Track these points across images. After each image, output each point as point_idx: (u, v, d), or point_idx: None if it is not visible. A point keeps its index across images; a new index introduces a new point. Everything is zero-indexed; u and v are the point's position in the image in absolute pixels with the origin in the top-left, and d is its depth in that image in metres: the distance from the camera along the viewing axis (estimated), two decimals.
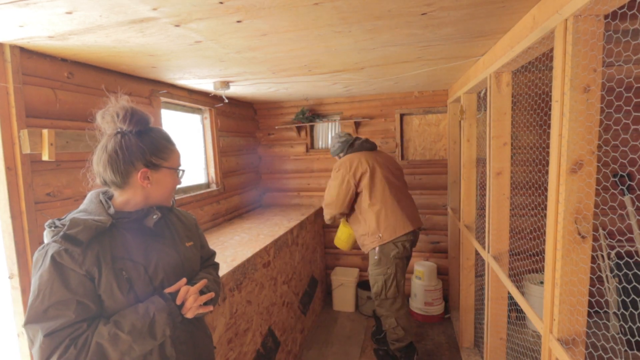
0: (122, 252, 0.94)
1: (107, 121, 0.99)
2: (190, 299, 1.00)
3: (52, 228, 0.90)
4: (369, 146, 2.67)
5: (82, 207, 0.98)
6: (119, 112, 0.98)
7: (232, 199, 3.24)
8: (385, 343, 2.72)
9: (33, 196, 1.47)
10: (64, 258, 0.86)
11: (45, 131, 1.45)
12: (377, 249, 2.47)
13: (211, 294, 1.06)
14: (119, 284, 0.91)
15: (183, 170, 1.09)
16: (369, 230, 2.48)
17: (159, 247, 1.03)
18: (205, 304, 1.06)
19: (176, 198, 2.47)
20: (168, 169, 1.03)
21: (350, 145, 2.67)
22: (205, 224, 2.79)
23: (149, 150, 0.99)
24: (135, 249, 0.97)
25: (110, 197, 1.01)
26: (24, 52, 1.47)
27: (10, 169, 1.40)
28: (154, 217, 1.02)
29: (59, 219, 0.93)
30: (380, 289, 2.49)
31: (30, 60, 1.50)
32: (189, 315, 1.00)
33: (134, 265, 0.95)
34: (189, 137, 2.88)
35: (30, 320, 0.84)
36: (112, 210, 0.95)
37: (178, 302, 0.98)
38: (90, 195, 1.01)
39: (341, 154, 2.71)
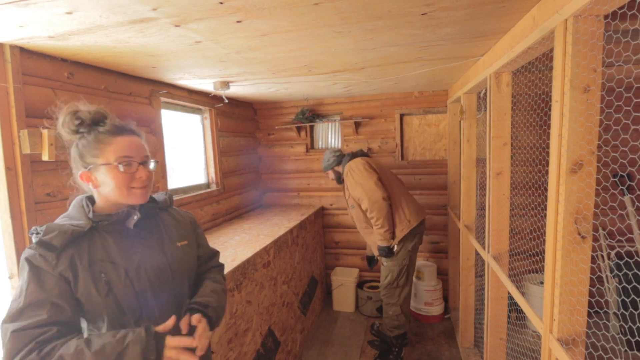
0: (102, 255, 0.93)
1: (64, 132, 0.98)
2: (173, 353, 0.88)
3: (34, 235, 0.91)
4: (362, 153, 2.79)
5: (67, 212, 1.00)
6: (62, 119, 0.97)
7: (232, 199, 3.24)
8: (379, 334, 2.84)
9: (33, 196, 1.47)
10: (38, 261, 0.88)
11: (45, 131, 1.45)
12: (396, 245, 2.60)
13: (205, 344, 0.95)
14: (97, 287, 0.90)
15: (126, 161, 0.95)
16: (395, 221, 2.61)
17: (142, 249, 1.00)
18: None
19: (176, 198, 2.47)
20: (104, 165, 0.94)
21: (348, 154, 2.77)
22: (205, 224, 2.79)
23: (82, 152, 0.96)
24: (116, 251, 0.95)
25: (94, 202, 1.01)
26: (24, 52, 1.47)
27: (10, 169, 1.40)
28: (135, 217, 0.99)
29: (41, 226, 0.94)
30: (393, 279, 2.60)
31: (30, 60, 1.50)
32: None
33: (114, 268, 0.93)
34: (189, 137, 2.88)
35: (5, 320, 0.85)
36: (91, 214, 0.96)
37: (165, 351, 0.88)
38: (74, 200, 1.02)
39: (337, 167, 2.81)
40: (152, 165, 1.03)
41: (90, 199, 1.01)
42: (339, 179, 2.81)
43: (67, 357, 0.81)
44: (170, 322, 0.93)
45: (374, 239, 2.64)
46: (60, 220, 0.97)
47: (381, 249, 2.60)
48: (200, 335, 0.95)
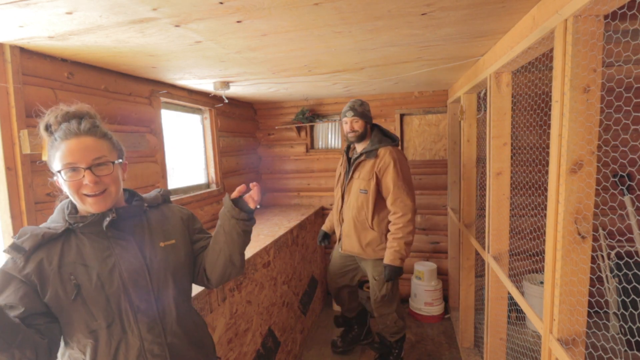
0: (75, 257, 0.93)
1: (44, 135, 0.98)
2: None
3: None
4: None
5: (52, 215, 1.00)
6: (41, 122, 0.97)
7: None
8: (352, 341, 2.80)
9: (33, 196, 1.47)
10: (8, 267, 0.89)
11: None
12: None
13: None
14: (65, 289, 0.90)
15: (69, 167, 0.90)
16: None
17: (119, 251, 0.96)
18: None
19: (176, 198, 2.47)
20: (56, 173, 0.93)
21: (389, 134, 2.42)
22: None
23: (48, 160, 0.96)
24: (91, 254, 0.94)
25: None
26: (24, 52, 1.47)
27: (10, 169, 1.40)
28: (108, 219, 0.94)
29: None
30: (388, 291, 2.42)
31: (30, 60, 1.50)
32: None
33: (86, 270, 0.92)
34: (189, 137, 2.88)
35: None
36: (67, 216, 0.95)
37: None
38: (60, 204, 1.02)
39: (381, 144, 2.33)
40: (107, 168, 0.94)
41: (74, 203, 1.00)
42: (366, 139, 2.35)
43: None
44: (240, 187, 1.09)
45: (370, 243, 2.34)
46: (45, 223, 0.98)
47: (392, 270, 2.22)
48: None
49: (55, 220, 0.97)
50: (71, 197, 0.95)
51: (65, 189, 0.93)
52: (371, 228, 2.33)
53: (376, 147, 2.31)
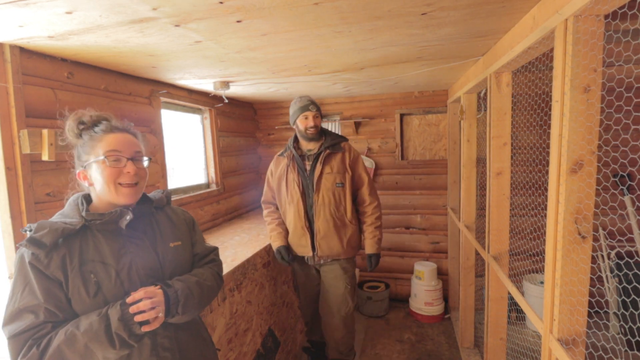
0: (94, 255, 0.94)
1: (70, 135, 1.03)
2: (143, 303, 0.91)
3: (27, 232, 0.92)
4: None
5: (62, 210, 1.01)
6: (69, 125, 1.02)
7: (232, 199, 3.24)
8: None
9: (33, 196, 1.47)
10: (31, 262, 0.89)
11: (45, 131, 1.45)
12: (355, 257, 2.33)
13: (150, 313, 0.92)
14: (86, 287, 0.91)
15: (114, 155, 0.96)
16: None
17: (135, 250, 0.99)
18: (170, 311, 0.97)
19: (176, 198, 2.47)
20: (95, 162, 0.97)
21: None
22: (205, 224, 2.79)
23: (79, 152, 1.01)
24: (108, 251, 0.96)
25: (91, 201, 1.04)
26: (24, 52, 1.47)
27: (10, 169, 1.40)
28: (127, 217, 0.98)
29: (34, 224, 0.95)
30: (356, 300, 2.33)
31: (30, 60, 1.50)
32: (148, 327, 0.92)
33: (105, 268, 0.94)
34: (189, 137, 2.88)
35: (4, 322, 0.89)
36: (84, 213, 0.96)
37: (131, 310, 0.90)
38: (71, 198, 1.03)
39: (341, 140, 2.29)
40: (145, 162, 1.03)
41: (87, 198, 1.02)
42: (320, 137, 2.25)
43: (62, 343, 0.86)
44: (138, 293, 0.93)
45: (350, 240, 2.22)
46: (55, 217, 0.98)
47: (378, 258, 2.27)
48: (147, 291, 0.93)
49: (68, 215, 0.97)
50: (104, 186, 0.97)
51: (101, 177, 0.96)
52: (350, 223, 2.24)
53: (338, 141, 2.27)
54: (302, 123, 2.22)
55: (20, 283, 0.89)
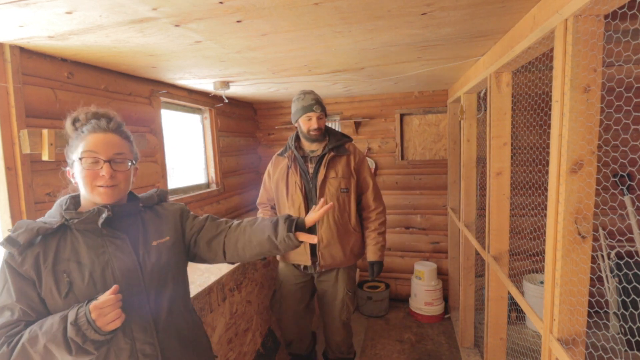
0: (70, 254, 0.93)
1: (69, 131, 1.03)
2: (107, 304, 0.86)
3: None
4: None
5: (50, 210, 1.01)
6: (68, 120, 1.01)
7: (232, 199, 3.24)
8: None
9: (33, 196, 1.47)
10: (7, 260, 0.90)
11: (45, 131, 1.45)
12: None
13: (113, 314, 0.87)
14: (58, 287, 0.90)
15: (89, 157, 0.94)
16: None
17: (113, 250, 0.96)
18: None
19: (176, 198, 2.47)
20: (75, 161, 0.96)
21: None
22: None
23: (67, 150, 1.00)
24: (85, 251, 0.94)
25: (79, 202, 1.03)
26: (24, 52, 1.47)
27: (10, 169, 1.40)
28: (103, 216, 0.94)
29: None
30: (355, 305, 2.23)
31: (30, 60, 1.50)
32: (110, 326, 0.86)
33: (79, 268, 0.92)
34: (189, 137, 2.88)
35: None
36: (63, 212, 0.96)
37: (90, 307, 0.84)
38: (59, 199, 1.03)
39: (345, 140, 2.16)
40: (124, 165, 0.99)
41: (74, 199, 1.02)
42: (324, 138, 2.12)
43: (26, 342, 0.85)
44: (110, 291, 0.88)
45: (353, 248, 2.12)
46: (42, 218, 0.98)
47: (381, 266, 2.14)
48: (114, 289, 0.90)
49: (52, 215, 0.98)
50: (82, 187, 0.96)
51: (79, 177, 0.96)
52: (354, 230, 2.13)
53: (343, 142, 2.12)
54: (304, 124, 2.05)
55: (1, 281, 0.90)
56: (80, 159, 0.94)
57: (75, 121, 1.00)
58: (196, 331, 1.13)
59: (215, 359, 1.24)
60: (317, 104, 2.04)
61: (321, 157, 2.08)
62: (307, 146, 2.14)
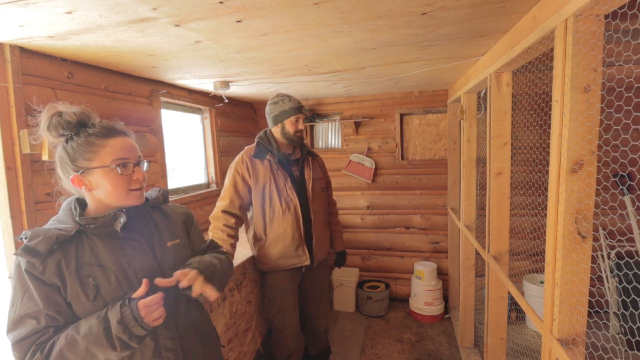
0: (90, 259, 0.94)
1: (50, 135, 0.97)
2: (143, 312, 0.89)
3: (23, 239, 0.92)
4: None
5: (57, 215, 1.00)
6: (46, 122, 0.96)
7: None
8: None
9: (33, 196, 1.47)
10: (27, 269, 0.89)
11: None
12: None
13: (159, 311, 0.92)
14: (85, 291, 0.91)
15: (123, 163, 0.96)
16: None
17: (132, 252, 0.99)
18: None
19: (176, 198, 2.47)
20: (100, 168, 0.94)
21: None
22: (206, 224, 2.79)
23: (72, 155, 0.95)
24: (105, 255, 0.95)
25: (85, 204, 1.01)
26: (24, 52, 1.47)
27: (10, 169, 1.40)
28: (121, 220, 0.96)
29: (28, 230, 0.94)
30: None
31: (30, 60, 1.50)
32: (155, 322, 0.91)
33: (103, 271, 0.94)
34: (189, 137, 2.88)
35: (7, 329, 0.90)
36: (77, 218, 0.95)
37: (139, 305, 0.89)
38: (64, 203, 1.02)
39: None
40: (145, 165, 1.03)
41: (80, 202, 1.00)
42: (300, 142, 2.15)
43: (64, 347, 0.86)
44: (143, 287, 0.92)
45: (327, 240, 2.28)
46: (51, 223, 0.97)
47: (344, 254, 2.43)
48: (181, 274, 0.97)
49: (62, 221, 0.96)
50: (113, 193, 0.96)
51: (110, 184, 0.95)
52: (328, 224, 2.35)
53: (306, 147, 2.24)
54: (292, 126, 2.05)
55: (20, 290, 0.90)
56: (117, 166, 0.95)
57: (68, 126, 0.95)
58: (208, 324, 1.19)
59: (223, 348, 1.29)
60: (302, 106, 2.12)
61: (302, 160, 2.17)
62: (285, 149, 2.13)
